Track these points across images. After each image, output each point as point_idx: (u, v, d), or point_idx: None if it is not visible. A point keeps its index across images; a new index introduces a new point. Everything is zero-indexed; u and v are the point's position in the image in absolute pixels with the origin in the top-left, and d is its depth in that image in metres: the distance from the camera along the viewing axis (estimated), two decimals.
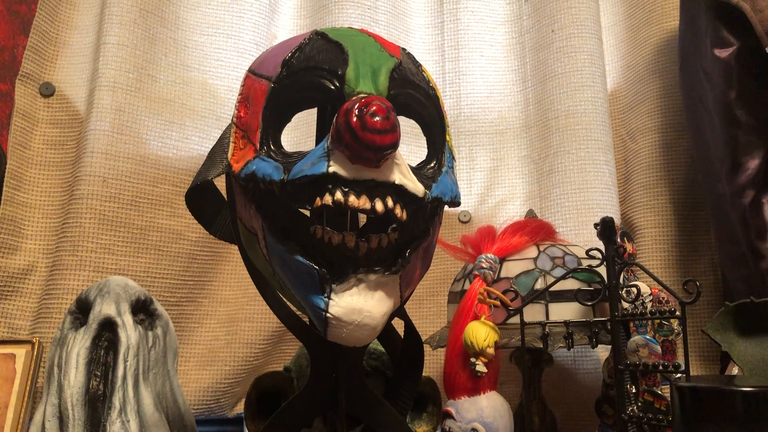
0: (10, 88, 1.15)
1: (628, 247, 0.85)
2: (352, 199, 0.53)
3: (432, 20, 1.35)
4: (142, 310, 0.85)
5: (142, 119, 1.13)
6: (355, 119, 0.50)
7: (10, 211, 1.07)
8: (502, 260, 0.92)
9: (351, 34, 0.61)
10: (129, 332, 0.80)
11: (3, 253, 1.06)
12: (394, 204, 0.54)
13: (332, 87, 0.56)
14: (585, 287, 0.87)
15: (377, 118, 0.50)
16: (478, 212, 1.26)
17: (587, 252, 0.83)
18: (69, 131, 1.14)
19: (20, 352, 0.94)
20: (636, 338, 0.81)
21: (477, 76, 1.30)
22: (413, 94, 0.60)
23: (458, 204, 0.62)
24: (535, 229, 0.95)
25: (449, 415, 0.83)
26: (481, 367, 0.81)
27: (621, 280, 0.81)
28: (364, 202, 0.53)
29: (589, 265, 0.83)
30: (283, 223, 0.57)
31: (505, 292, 0.84)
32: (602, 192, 1.19)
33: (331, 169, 0.52)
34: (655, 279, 0.77)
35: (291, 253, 0.56)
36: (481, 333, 0.81)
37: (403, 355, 0.79)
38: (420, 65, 0.63)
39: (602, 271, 0.81)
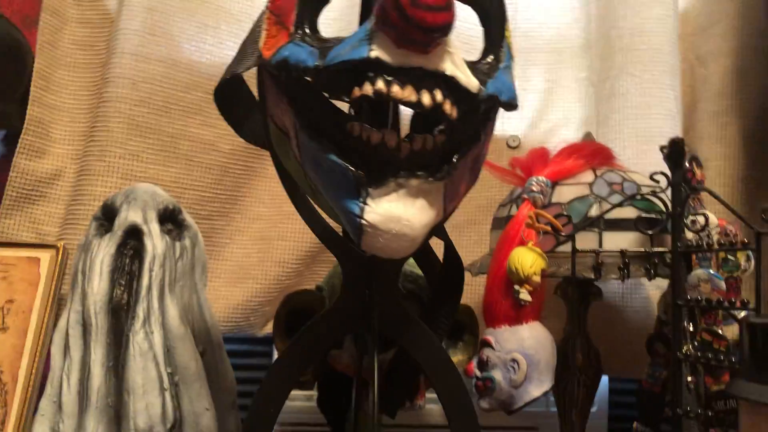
0: None
1: (697, 173, 0.77)
2: (395, 89, 0.46)
3: None
4: (170, 220, 0.82)
5: (175, 20, 1.07)
6: None
7: (37, 112, 1.04)
8: (554, 184, 0.85)
9: None
10: (155, 241, 0.77)
11: (31, 156, 1.03)
12: (444, 98, 0.47)
13: None
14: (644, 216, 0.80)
15: None
16: (529, 137, 1.19)
17: (651, 176, 0.76)
18: (99, 31, 1.09)
19: (45, 256, 0.92)
20: (698, 272, 0.74)
21: None
22: None
23: (515, 107, 0.55)
24: (592, 153, 0.88)
25: (488, 344, 0.79)
26: (525, 296, 0.76)
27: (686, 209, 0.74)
28: (409, 94, 0.46)
29: (652, 191, 0.75)
30: (317, 118, 0.51)
31: (556, 217, 0.78)
32: (665, 119, 1.10)
33: (373, 54, 0.45)
34: (729, 207, 0.70)
35: (324, 152, 0.49)
36: (527, 259, 0.75)
37: (442, 279, 0.74)
38: None
39: (664, 197, 0.74)
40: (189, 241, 0.83)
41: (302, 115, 0.51)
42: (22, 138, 1.02)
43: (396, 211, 0.49)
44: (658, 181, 0.75)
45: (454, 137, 0.52)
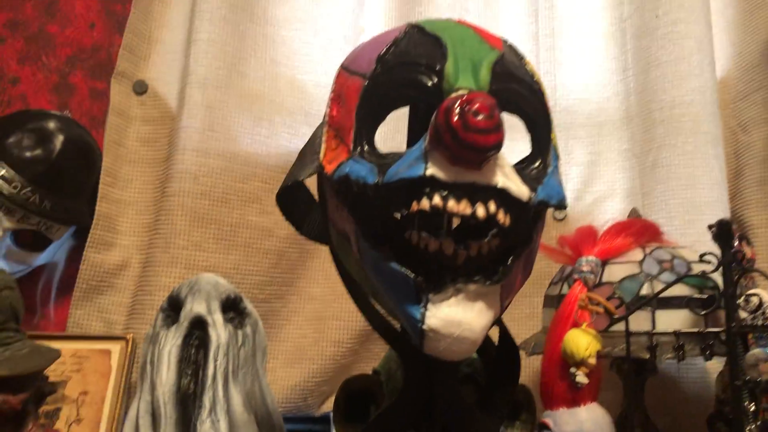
0: (106, 86, 1.18)
1: (747, 251, 0.77)
2: (451, 203, 0.49)
3: (526, 7, 1.28)
4: (232, 309, 0.84)
5: (232, 116, 1.12)
6: (456, 118, 0.47)
7: (105, 207, 1.10)
8: (604, 263, 0.86)
9: (449, 26, 0.57)
10: (219, 331, 0.80)
11: (99, 249, 1.08)
12: (497, 209, 0.50)
13: (430, 83, 0.53)
14: (695, 294, 0.80)
15: (480, 117, 0.46)
16: (574, 210, 1.20)
17: (701, 256, 0.77)
18: (161, 128, 1.16)
19: (115, 347, 0.96)
20: (756, 351, 0.74)
21: (574, 65, 1.24)
22: (517, 89, 0.55)
23: (565, 207, 0.58)
24: (640, 230, 0.89)
25: (546, 427, 0.79)
26: (581, 378, 0.76)
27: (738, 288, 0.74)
28: (464, 207, 0.49)
29: (702, 271, 0.76)
30: (377, 228, 0.54)
31: (608, 299, 0.79)
32: (711, 188, 1.11)
33: (429, 172, 0.49)
34: None
35: (385, 260, 0.53)
36: (582, 342, 0.76)
37: (498, 362, 0.75)
38: (523, 58, 0.58)
39: (716, 276, 0.75)
40: (250, 329, 0.85)
41: (362, 224, 0.55)
42: (91, 232, 1.08)
43: (456, 316, 0.51)
44: (709, 261, 0.75)
45: (508, 240, 0.54)
